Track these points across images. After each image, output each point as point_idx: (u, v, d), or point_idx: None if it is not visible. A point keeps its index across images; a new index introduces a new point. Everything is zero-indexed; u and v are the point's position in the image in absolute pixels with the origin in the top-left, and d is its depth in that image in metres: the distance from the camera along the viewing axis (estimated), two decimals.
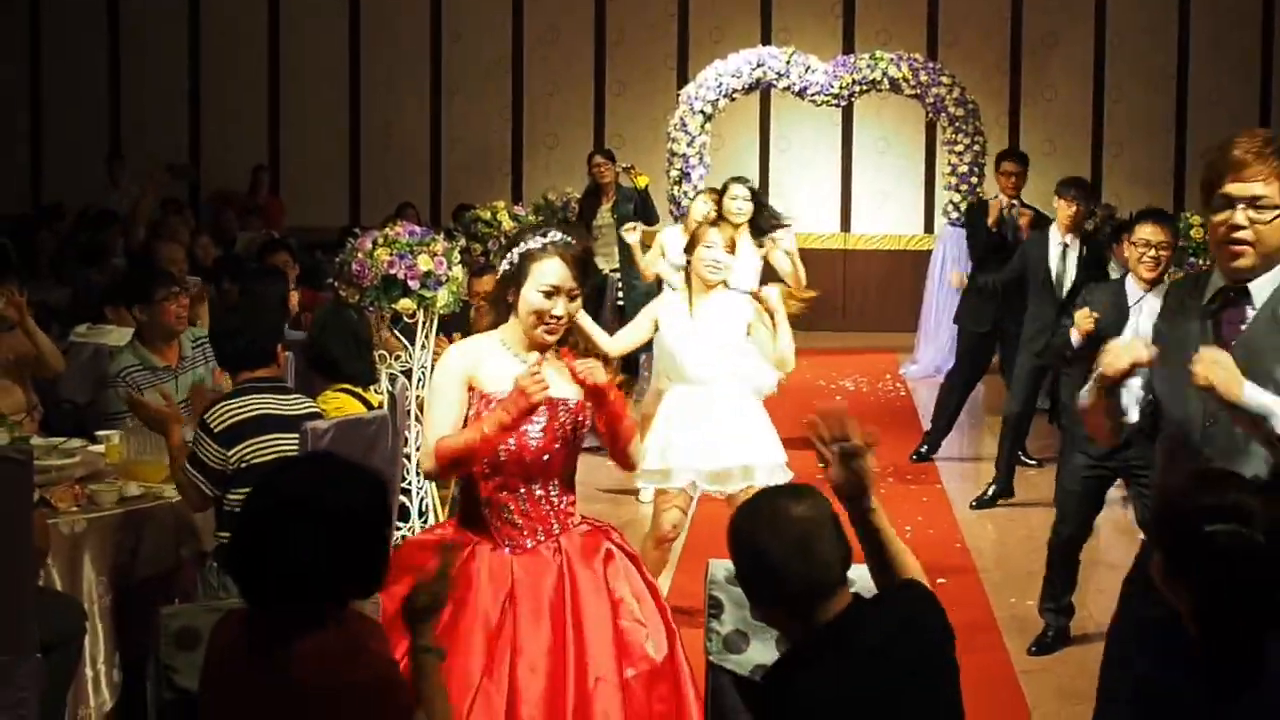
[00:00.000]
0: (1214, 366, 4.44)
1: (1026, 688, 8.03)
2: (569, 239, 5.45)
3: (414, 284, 8.83)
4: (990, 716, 7.09)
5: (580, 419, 5.43)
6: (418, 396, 9.02)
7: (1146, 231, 8.41)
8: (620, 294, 14.99)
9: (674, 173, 17.59)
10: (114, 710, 7.01)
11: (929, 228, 21.31)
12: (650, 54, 21.91)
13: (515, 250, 5.46)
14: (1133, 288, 8.49)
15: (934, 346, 17.76)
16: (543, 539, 5.40)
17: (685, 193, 17.30)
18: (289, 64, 22.28)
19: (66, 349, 10.02)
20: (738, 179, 11.78)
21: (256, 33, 22.24)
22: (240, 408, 6.90)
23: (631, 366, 13.95)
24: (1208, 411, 4.60)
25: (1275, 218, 4.55)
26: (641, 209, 15.55)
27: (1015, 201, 13.07)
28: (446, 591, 4.38)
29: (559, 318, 5.36)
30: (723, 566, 5.03)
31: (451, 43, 22.17)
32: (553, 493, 5.43)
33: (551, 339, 5.39)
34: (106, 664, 7.01)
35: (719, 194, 11.73)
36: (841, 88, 17.84)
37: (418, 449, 8.63)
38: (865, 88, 18.00)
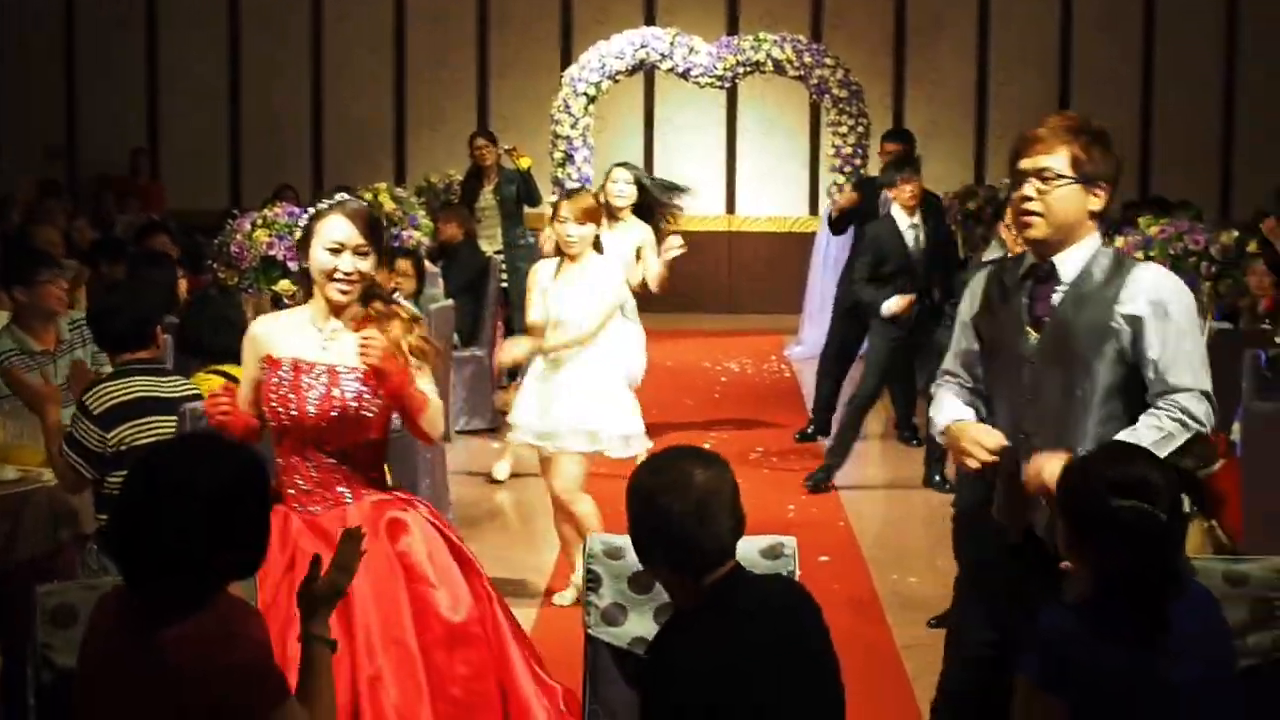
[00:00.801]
0: (1046, 461, 4.61)
1: (908, 662, 8.08)
2: (355, 199, 5.56)
3: (293, 265, 8.79)
4: (872, 689, 7.12)
5: (372, 389, 5.39)
6: None
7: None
8: (505, 276, 14.95)
9: (558, 154, 17.57)
10: None
11: (814, 209, 21.37)
12: (534, 34, 21.88)
13: (305, 216, 5.54)
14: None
15: (818, 328, 17.72)
16: (333, 506, 5.39)
17: (569, 175, 17.29)
18: (169, 44, 22.08)
19: None
20: (621, 164, 11.78)
21: (136, 13, 22.04)
22: (119, 389, 6.82)
23: (471, 339, 13.94)
24: (1028, 386, 4.81)
25: (1060, 187, 4.77)
26: (524, 191, 15.53)
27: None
28: (348, 580, 4.35)
29: (348, 274, 5.37)
30: (601, 541, 5.07)
31: (334, 21, 22.05)
32: (345, 461, 5.43)
33: (344, 298, 5.40)
34: None
35: (604, 178, 11.76)
36: (725, 69, 17.87)
37: None
38: (749, 69, 18.04)
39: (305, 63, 22.08)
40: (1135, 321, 4.72)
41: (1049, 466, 4.57)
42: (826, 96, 18.06)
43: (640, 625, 5.02)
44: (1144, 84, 21.72)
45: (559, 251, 8.90)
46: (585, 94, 17.75)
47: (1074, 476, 4.19)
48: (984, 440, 4.83)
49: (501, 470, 11.61)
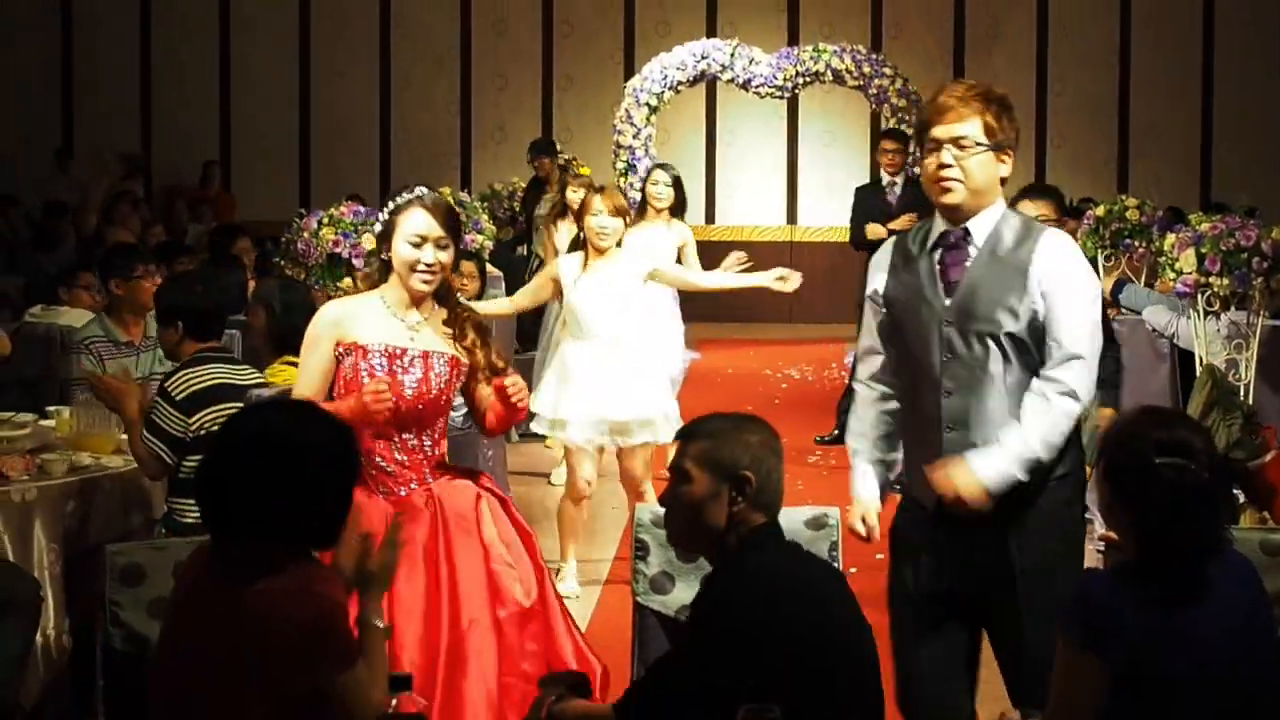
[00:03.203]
0: (950, 478, 4.79)
1: None
2: (433, 192, 5.67)
3: (358, 262, 8.97)
4: None
5: (458, 373, 5.60)
6: None
7: (1027, 208, 8.59)
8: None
9: (620, 165, 17.72)
10: (65, 672, 7.11)
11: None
12: (597, 47, 22.07)
13: (386, 210, 5.68)
14: None
15: None
16: (415, 486, 5.55)
17: (631, 184, 17.44)
18: (239, 57, 22.35)
19: (18, 329, 10.15)
20: (660, 165, 12.10)
21: (207, 26, 22.30)
22: (198, 377, 7.01)
23: (529, 340, 14.14)
24: (943, 346, 4.92)
25: (977, 154, 4.89)
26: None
27: (896, 180, 13.35)
28: (396, 561, 4.46)
29: (430, 265, 5.50)
30: (649, 510, 5.19)
31: (400, 35, 22.27)
32: (426, 441, 5.59)
33: (427, 288, 5.54)
34: (56, 629, 7.10)
35: (643, 180, 12.03)
36: (785, 80, 18.01)
37: None
38: (809, 80, 18.18)
39: (373, 75, 22.31)
40: (1046, 280, 4.86)
41: (959, 478, 4.78)
42: (886, 106, 18.18)
43: (688, 593, 5.13)
44: (1203, 87, 21.75)
45: (576, 247, 9.14)
46: (647, 104, 17.91)
47: (1117, 438, 4.26)
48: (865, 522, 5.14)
49: (560, 475, 11.77)
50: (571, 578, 9.01)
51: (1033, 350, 4.89)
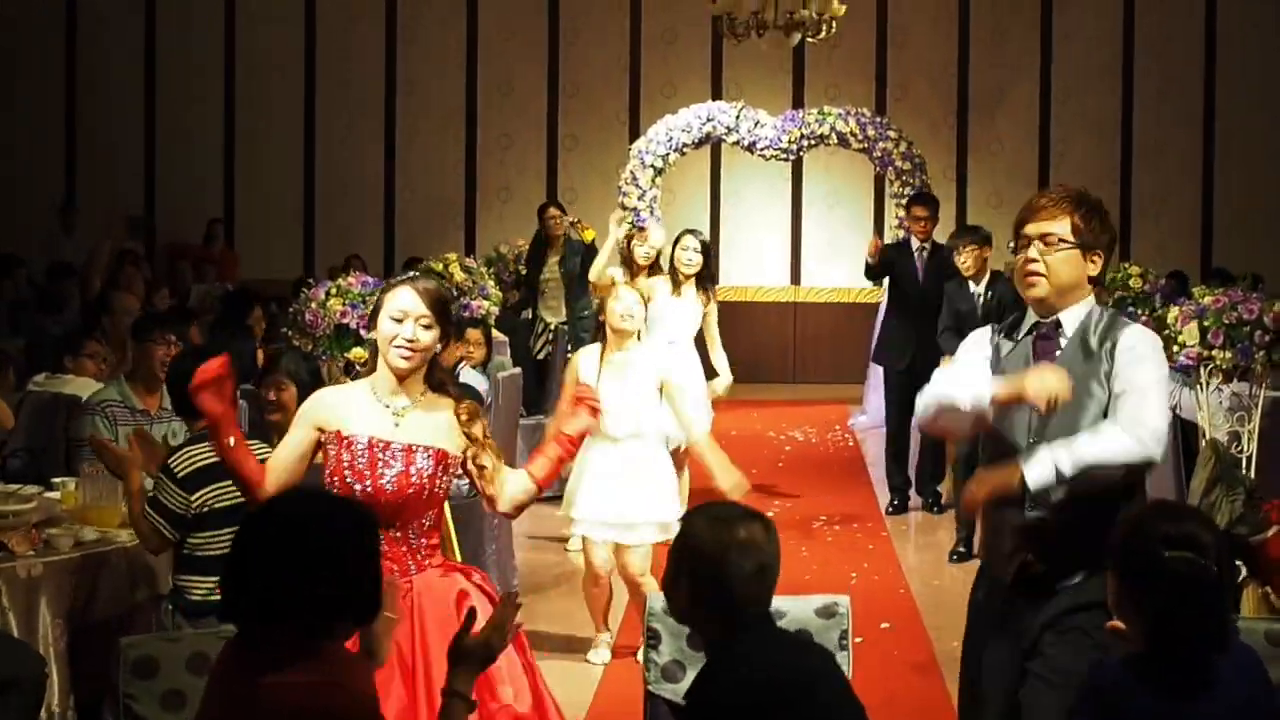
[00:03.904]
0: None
1: None
2: (426, 278, 5.74)
3: (365, 333, 8.97)
4: None
5: (444, 467, 5.57)
6: None
7: (970, 251, 8.71)
8: (569, 347, 15.15)
9: (625, 226, 17.75)
10: None
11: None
12: (603, 108, 22.14)
13: (379, 292, 5.76)
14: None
15: (882, 396, 17.91)
16: (397, 577, 5.45)
17: (637, 245, 17.45)
18: (244, 116, 22.41)
19: (23, 398, 10.17)
20: (691, 231, 12.13)
21: (212, 84, 22.37)
22: (203, 453, 7.00)
23: (541, 373, 14.21)
24: (1031, 429, 5.16)
25: (1061, 251, 5.19)
26: (588, 263, 15.75)
27: (925, 245, 13.35)
28: (502, 644, 4.52)
29: (411, 340, 5.51)
30: (659, 599, 5.21)
31: (405, 94, 22.34)
32: (411, 535, 5.54)
33: (405, 364, 5.53)
34: (61, 706, 7.10)
35: (673, 244, 12.05)
36: (790, 142, 18.07)
37: None
38: (814, 142, 18.25)
39: (378, 134, 22.37)
40: (1125, 367, 5.13)
41: (993, 480, 5.06)
42: (890, 169, 18.23)
43: None
44: (1204, 153, 21.84)
45: (599, 329, 9.24)
46: (653, 166, 17.98)
47: (1126, 531, 4.35)
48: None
49: (576, 543, 11.78)
50: (605, 647, 9.22)
51: None
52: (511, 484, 5.68)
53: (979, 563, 5.50)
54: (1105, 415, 5.09)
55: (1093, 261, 5.26)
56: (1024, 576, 5.12)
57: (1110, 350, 5.15)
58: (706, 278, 11.88)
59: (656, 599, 5.28)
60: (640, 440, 9.05)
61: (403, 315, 5.52)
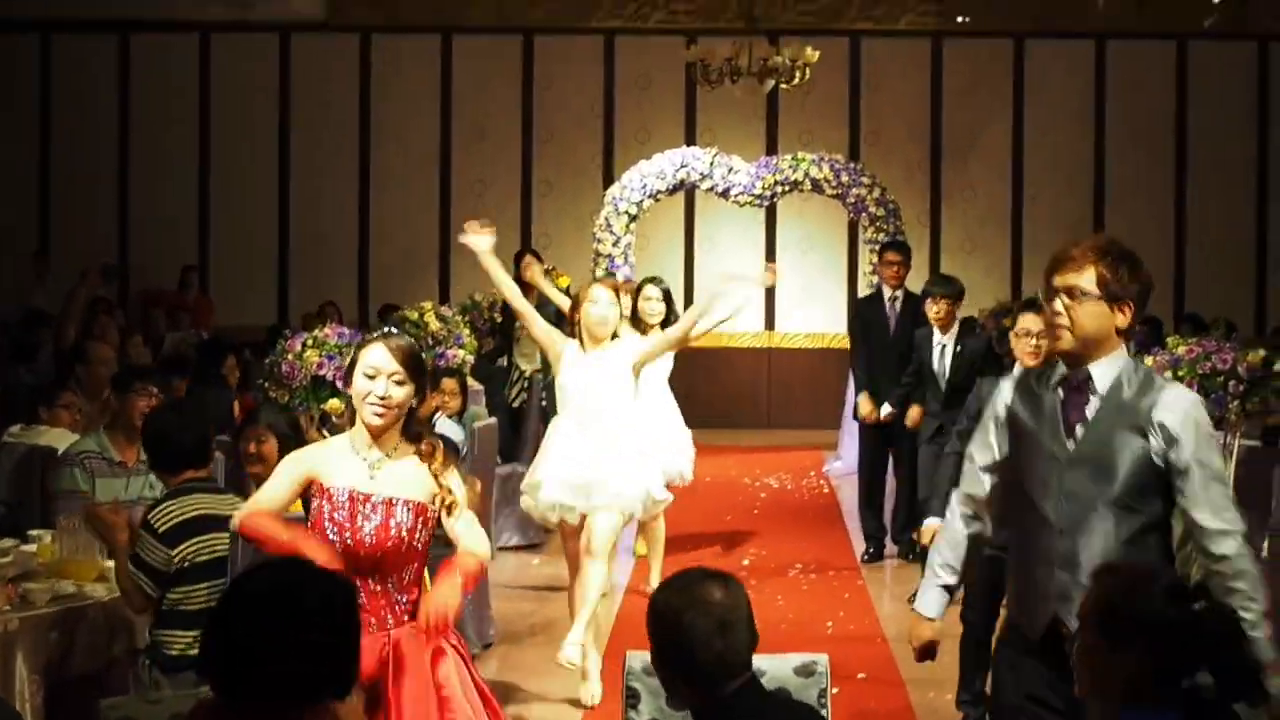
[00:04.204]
0: None
1: None
2: (400, 336, 5.79)
3: (343, 384, 8.98)
4: None
5: (423, 520, 5.60)
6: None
7: (1028, 321, 8.74)
8: (544, 395, 15.14)
9: (599, 272, 17.79)
10: None
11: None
12: (577, 153, 22.17)
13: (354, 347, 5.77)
14: None
15: (857, 442, 17.94)
16: (374, 629, 5.49)
17: (633, 294, 17.48)
18: (219, 162, 22.39)
19: None
20: (651, 279, 12.20)
21: (186, 131, 22.35)
22: (182, 508, 7.02)
23: (516, 421, 14.22)
24: (1060, 487, 5.17)
25: (1088, 303, 5.15)
26: (563, 312, 15.75)
27: (897, 294, 13.38)
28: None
29: (383, 398, 5.57)
30: (640, 658, 5.21)
31: (380, 140, 22.36)
32: (391, 588, 5.57)
33: (378, 420, 5.59)
34: None
35: (634, 294, 12.11)
36: (764, 188, 18.13)
37: None
38: (788, 188, 18.31)
39: (352, 181, 22.37)
40: (1170, 435, 5.08)
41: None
42: (864, 214, 18.29)
43: None
44: (1176, 199, 21.94)
45: (572, 331, 9.31)
46: (627, 213, 18.02)
47: (1121, 594, 4.36)
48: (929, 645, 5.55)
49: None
50: (573, 646, 8.89)
51: (1149, 499, 5.14)
52: (468, 540, 5.69)
53: (1003, 618, 5.55)
54: (1136, 475, 5.09)
55: (1122, 313, 5.19)
56: (1054, 637, 5.14)
57: (1151, 410, 5.11)
58: (670, 325, 11.90)
59: (635, 658, 5.28)
60: (609, 425, 9.12)
61: (375, 372, 5.58)
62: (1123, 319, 5.19)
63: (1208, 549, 5.06)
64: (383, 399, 5.56)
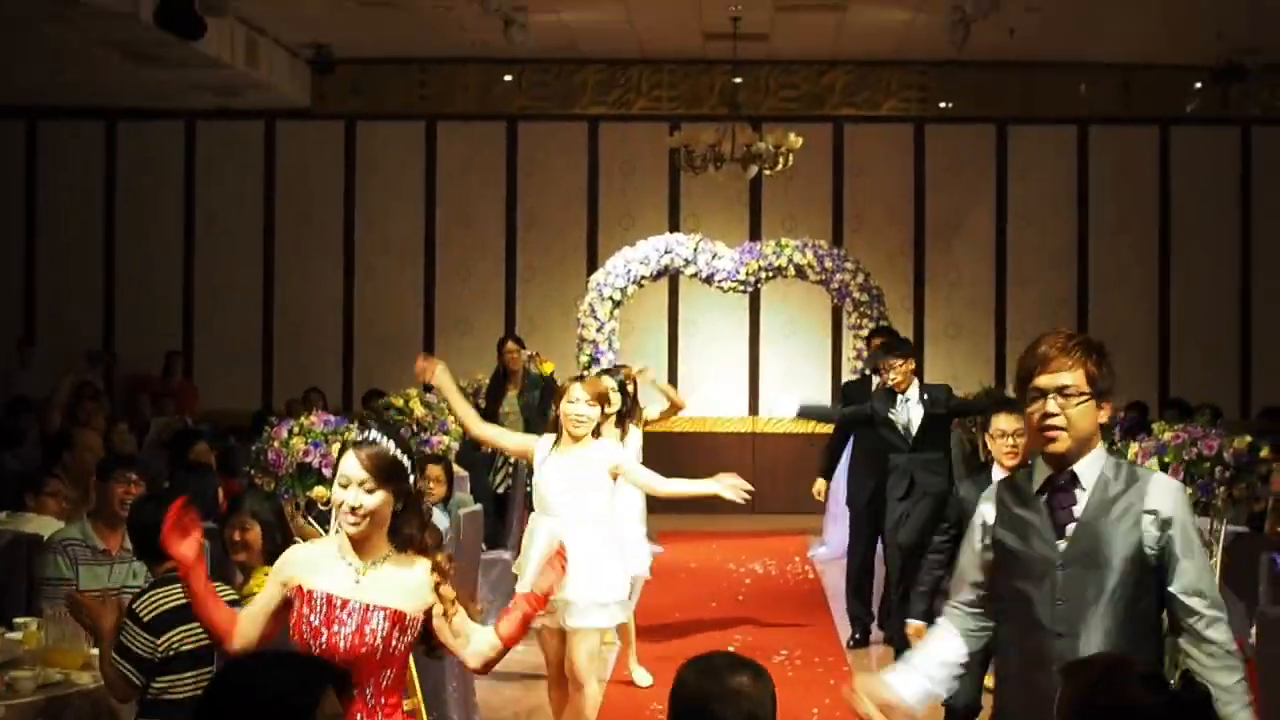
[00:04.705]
0: None
1: None
2: (375, 440, 5.69)
3: (329, 471, 8.97)
4: None
5: (400, 628, 5.56)
6: None
7: (1003, 421, 8.78)
8: (529, 483, 15.14)
9: (584, 358, 17.82)
10: None
11: None
12: (561, 239, 22.23)
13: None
14: (998, 476, 8.69)
15: (842, 529, 17.87)
16: None
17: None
18: (203, 247, 22.42)
19: None
20: (607, 371, 12.40)
21: (171, 217, 22.39)
22: (167, 596, 6.99)
23: (501, 507, 14.26)
24: (1055, 589, 5.08)
25: (1081, 403, 5.08)
26: (547, 397, 15.80)
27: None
28: None
29: (354, 507, 5.55)
30: None
31: (365, 226, 22.39)
32: (368, 694, 5.53)
33: (352, 530, 5.56)
34: None
35: (633, 379, 12.31)
36: (748, 274, 18.18)
37: None
38: (771, 274, 18.36)
39: (337, 266, 22.39)
40: (1161, 523, 5.05)
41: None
42: (848, 300, 18.34)
43: None
44: (1161, 283, 22.01)
45: (554, 428, 9.28)
46: (611, 299, 18.05)
47: (1097, 686, 4.28)
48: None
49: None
50: None
51: (1144, 593, 5.08)
52: (478, 641, 5.69)
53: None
54: (1131, 568, 5.05)
55: (1104, 409, 5.16)
56: None
57: (1142, 500, 5.07)
58: (627, 415, 12.08)
59: None
60: (587, 525, 9.12)
61: (347, 481, 5.59)
62: (1104, 415, 5.16)
63: (1201, 633, 5.02)
64: (354, 509, 5.55)
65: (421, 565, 5.62)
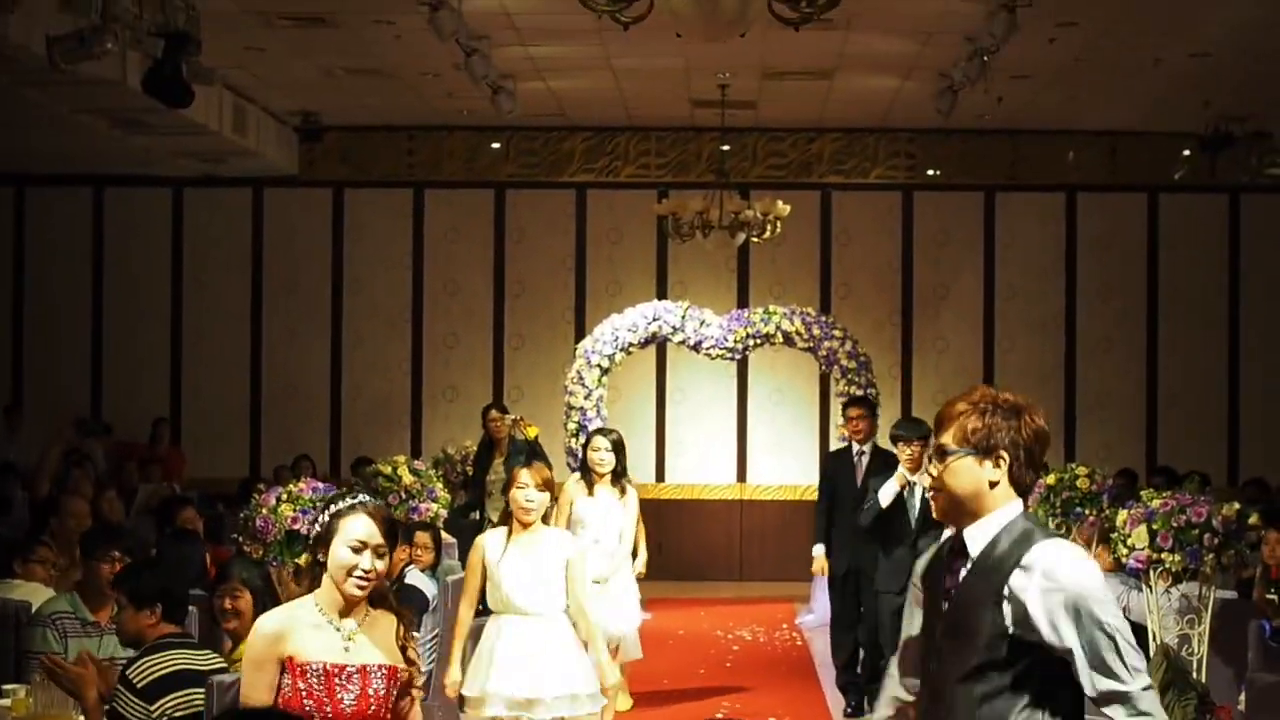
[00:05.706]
0: None
1: None
2: (373, 501, 5.72)
3: (317, 550, 8.96)
4: None
5: (395, 682, 5.59)
6: None
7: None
8: None
9: (571, 425, 17.80)
10: None
11: None
12: (548, 306, 22.24)
13: (326, 512, 5.72)
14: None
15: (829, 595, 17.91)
16: None
17: (582, 445, 17.52)
18: (191, 315, 22.40)
19: None
20: (601, 431, 12.36)
21: (159, 283, 22.39)
22: (161, 663, 7.01)
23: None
24: (933, 656, 4.77)
25: (955, 460, 4.72)
26: (531, 461, 15.79)
27: (865, 448, 13.41)
28: None
29: (367, 572, 5.54)
30: None
31: (352, 294, 22.39)
32: None
33: (360, 594, 5.57)
34: None
35: (584, 446, 12.29)
36: (736, 342, 18.18)
37: None
38: (759, 341, 18.36)
39: (324, 334, 22.39)
40: (1020, 597, 4.59)
41: None
42: (835, 367, 18.35)
43: None
44: (1148, 350, 22.04)
45: (505, 520, 9.18)
46: (599, 366, 18.04)
47: None
48: None
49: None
50: None
51: (1006, 673, 4.59)
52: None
53: None
54: (992, 648, 4.59)
55: (996, 466, 4.70)
56: None
57: (1006, 572, 4.60)
58: (620, 474, 12.08)
59: None
60: (547, 618, 9.01)
61: (361, 545, 5.55)
62: (996, 472, 4.69)
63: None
64: (367, 573, 5.54)
65: (388, 621, 5.63)
